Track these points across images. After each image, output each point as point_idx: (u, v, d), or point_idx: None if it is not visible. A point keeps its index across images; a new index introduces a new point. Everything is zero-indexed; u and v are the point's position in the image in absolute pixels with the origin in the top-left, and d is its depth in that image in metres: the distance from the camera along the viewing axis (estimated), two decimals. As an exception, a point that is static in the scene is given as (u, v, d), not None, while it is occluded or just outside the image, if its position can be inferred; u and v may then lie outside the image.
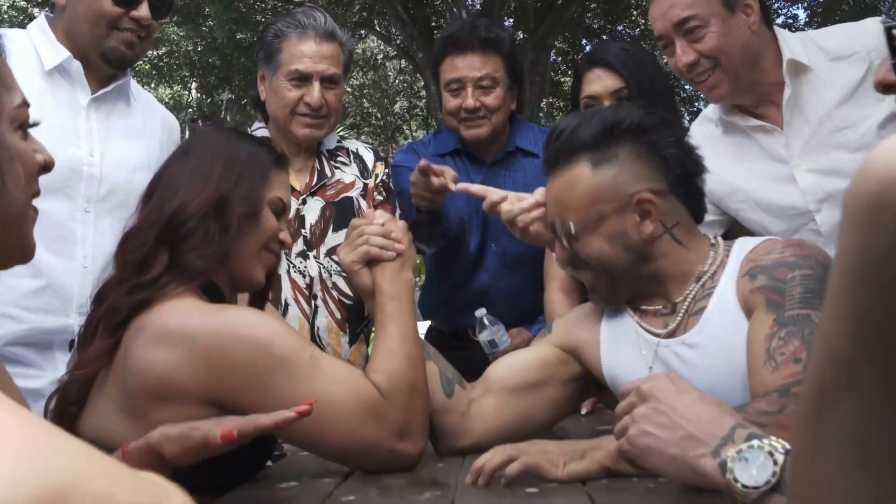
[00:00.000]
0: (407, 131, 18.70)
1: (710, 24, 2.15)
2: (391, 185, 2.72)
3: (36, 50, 2.23)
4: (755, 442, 1.09)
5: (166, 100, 17.49)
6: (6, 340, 2.04)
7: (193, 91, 18.21)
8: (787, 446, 1.05)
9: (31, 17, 12.27)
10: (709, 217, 2.34)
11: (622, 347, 1.84)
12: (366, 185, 2.64)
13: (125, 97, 2.38)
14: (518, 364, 1.96)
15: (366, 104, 17.44)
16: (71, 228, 2.17)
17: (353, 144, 2.72)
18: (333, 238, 2.53)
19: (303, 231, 2.51)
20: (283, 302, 2.47)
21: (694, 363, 1.70)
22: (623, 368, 1.82)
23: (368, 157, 2.68)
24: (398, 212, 2.67)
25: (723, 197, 2.37)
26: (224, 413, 1.51)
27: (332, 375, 1.58)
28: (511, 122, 2.92)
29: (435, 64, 2.89)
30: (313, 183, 2.56)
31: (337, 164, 2.63)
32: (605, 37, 15.72)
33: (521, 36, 14.41)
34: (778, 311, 1.56)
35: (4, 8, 11.99)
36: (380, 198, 2.64)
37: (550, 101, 17.27)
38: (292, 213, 2.47)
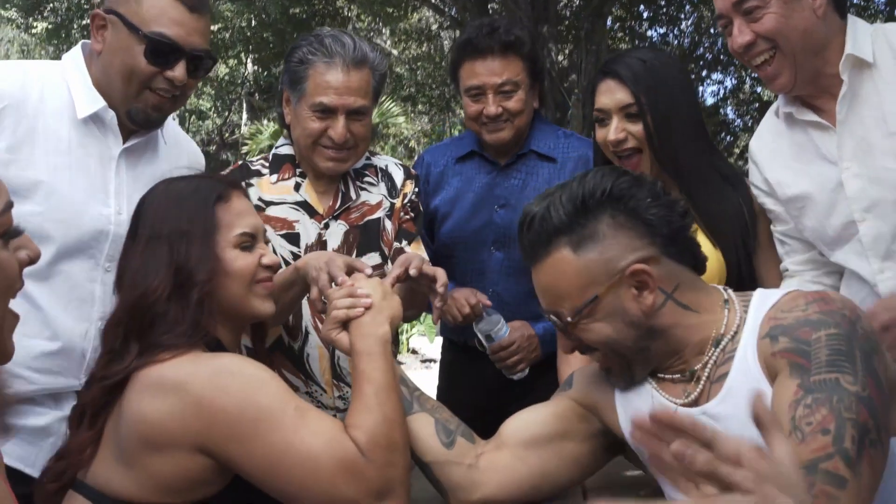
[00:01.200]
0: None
1: (770, 5, 2.05)
2: (420, 204, 2.68)
3: (70, 93, 2.13)
4: None
5: (223, 75, 17.61)
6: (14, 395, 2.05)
7: (249, 65, 18.28)
8: None
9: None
10: (781, 227, 2.29)
11: (639, 411, 1.73)
12: (393, 204, 2.57)
13: (154, 141, 2.30)
14: (534, 417, 1.91)
15: (420, 76, 17.33)
16: (90, 290, 2.13)
17: (382, 161, 2.65)
18: None
19: (325, 256, 2.46)
20: (303, 329, 2.44)
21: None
22: None
23: (398, 175, 2.62)
24: (419, 238, 2.63)
25: (786, 203, 2.27)
26: (214, 461, 1.60)
27: (316, 428, 1.62)
28: (533, 123, 2.88)
29: (454, 67, 2.85)
30: (336, 206, 2.50)
31: (363, 185, 2.56)
32: (662, 2, 15.36)
33: (578, 3, 14.17)
34: (803, 376, 1.46)
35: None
36: (406, 217, 2.59)
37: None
38: (313, 238, 2.46)
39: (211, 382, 1.60)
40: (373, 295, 1.83)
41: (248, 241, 1.84)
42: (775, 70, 2.12)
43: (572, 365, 2.39)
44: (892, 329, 1.82)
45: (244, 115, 20.64)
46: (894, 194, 2.07)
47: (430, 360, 11.48)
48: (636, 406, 1.74)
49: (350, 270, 1.99)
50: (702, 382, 1.66)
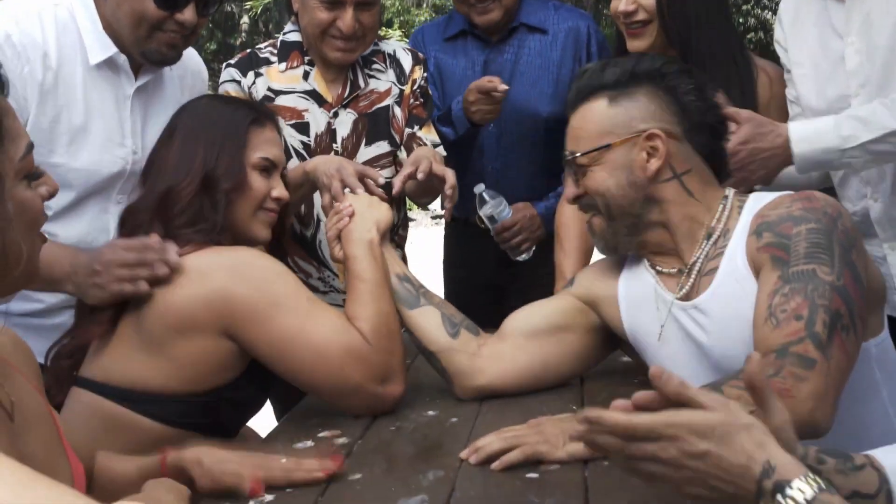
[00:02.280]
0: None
1: None
2: (429, 89, 2.66)
3: (81, 40, 2.09)
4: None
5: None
6: (23, 313, 2.10)
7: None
8: (808, 494, 0.99)
9: None
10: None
11: (641, 304, 1.84)
12: (402, 90, 2.56)
13: (163, 78, 2.28)
14: (536, 311, 2.00)
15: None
16: (105, 222, 2.16)
17: (389, 47, 2.62)
18: (366, 152, 2.50)
19: (334, 146, 2.48)
20: (314, 217, 2.48)
21: (706, 329, 1.70)
22: (641, 326, 1.83)
23: (406, 61, 2.59)
24: (430, 121, 2.63)
25: (793, 65, 2.28)
26: (235, 345, 1.75)
27: (325, 318, 1.80)
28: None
29: None
30: (345, 94, 2.49)
31: (371, 73, 2.54)
32: None
33: None
34: (783, 268, 1.54)
35: None
36: (416, 103, 2.58)
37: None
38: (323, 127, 2.47)
39: (232, 271, 1.75)
40: (356, 205, 1.98)
41: (267, 167, 1.95)
42: None
43: (568, 254, 2.47)
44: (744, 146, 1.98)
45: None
46: (882, 73, 2.08)
47: (441, 217, 11.62)
48: (639, 298, 1.83)
49: (361, 177, 2.05)
50: (693, 276, 1.74)
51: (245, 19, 17.11)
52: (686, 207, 1.74)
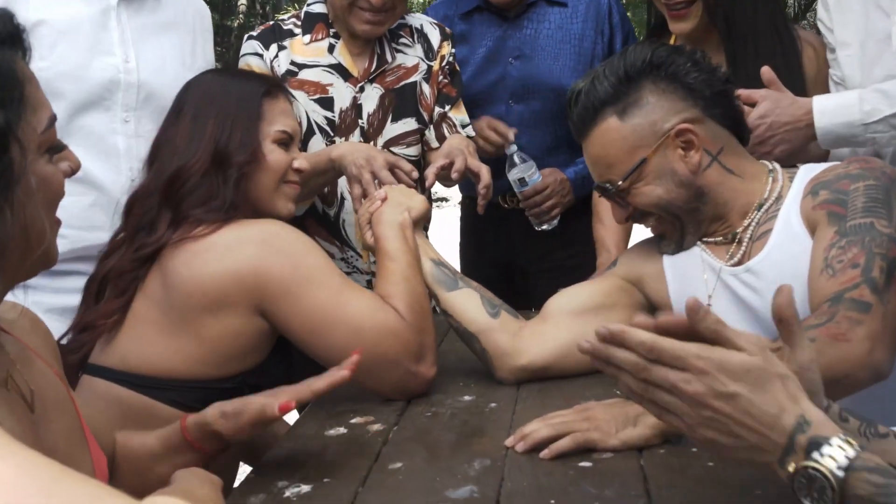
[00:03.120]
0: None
1: None
2: (457, 65, 2.56)
3: None
4: (812, 463, 0.95)
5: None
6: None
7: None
8: (849, 453, 0.93)
9: None
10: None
11: (688, 277, 1.78)
12: (430, 67, 2.46)
13: None
14: (579, 291, 1.94)
15: None
16: (113, 142, 2.10)
17: (416, 21, 2.52)
18: (392, 129, 2.41)
19: (360, 121, 2.39)
20: (338, 195, 2.40)
21: (760, 292, 1.64)
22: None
23: (434, 36, 2.49)
24: (460, 100, 2.54)
25: (839, 46, 2.18)
26: (269, 323, 1.69)
27: (359, 294, 1.74)
28: None
29: None
30: (372, 69, 2.39)
31: (399, 47, 2.44)
32: None
33: None
34: (840, 222, 1.52)
35: None
36: (445, 81, 2.49)
37: None
38: (348, 102, 2.38)
39: (263, 245, 1.67)
40: (390, 192, 1.94)
41: (286, 140, 1.88)
42: None
43: (609, 228, 2.40)
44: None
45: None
46: None
47: (443, 199, 11.74)
48: (686, 270, 1.78)
49: (392, 168, 2.00)
50: (745, 243, 1.70)
51: (242, 0, 16.94)
52: (731, 184, 1.71)
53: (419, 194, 1.99)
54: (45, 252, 1.13)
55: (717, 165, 1.69)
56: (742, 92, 1.86)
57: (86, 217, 2.07)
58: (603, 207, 2.41)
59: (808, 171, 1.70)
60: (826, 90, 2.19)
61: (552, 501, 1.25)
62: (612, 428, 1.44)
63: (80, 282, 1.89)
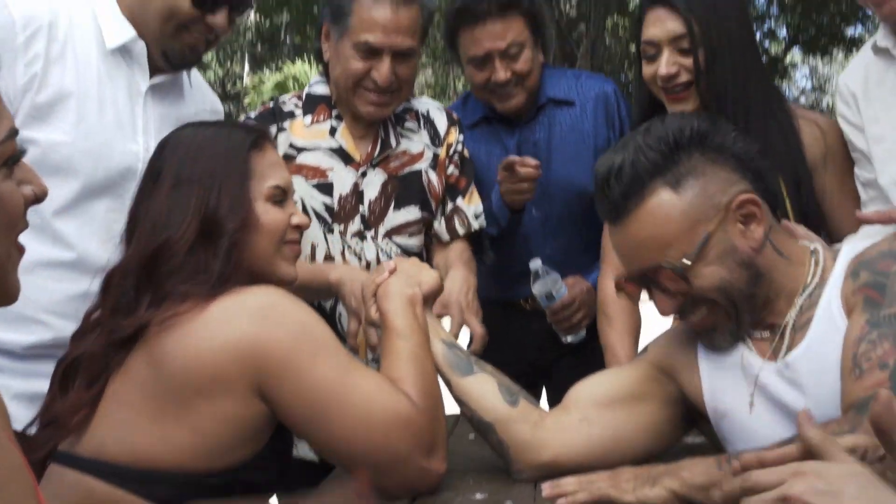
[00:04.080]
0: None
1: None
2: (466, 153, 2.47)
3: (97, 22, 2.00)
4: None
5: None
6: (31, 347, 1.92)
7: (252, 14, 17.97)
8: None
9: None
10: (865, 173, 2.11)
11: (725, 373, 1.62)
12: (436, 154, 2.38)
13: (180, 82, 2.16)
14: (606, 379, 1.78)
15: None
16: (117, 230, 1.96)
17: (423, 106, 2.44)
18: (394, 217, 2.30)
19: (361, 208, 2.28)
20: None
21: (803, 388, 1.48)
22: (726, 397, 1.61)
23: (441, 122, 2.41)
24: (472, 186, 2.45)
25: (873, 141, 2.08)
26: (267, 406, 1.49)
27: (368, 374, 1.55)
28: (543, 74, 2.68)
29: (450, 36, 2.61)
30: (375, 153, 2.30)
31: (404, 132, 2.36)
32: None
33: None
34: (873, 311, 1.36)
35: None
36: (455, 171, 2.40)
37: (616, 19, 16.67)
38: (349, 188, 2.27)
39: (261, 315, 1.49)
40: (400, 264, 1.80)
41: (280, 196, 1.69)
42: None
43: (619, 332, 2.30)
44: None
45: (246, 66, 20.39)
46: None
47: None
48: (722, 365, 1.62)
49: None
50: (786, 336, 1.53)
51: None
52: (781, 267, 1.54)
53: (430, 269, 1.83)
54: (1, 284, 1.01)
55: (770, 246, 1.53)
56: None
57: (76, 307, 1.87)
58: (614, 308, 2.30)
59: (852, 248, 1.54)
60: (835, 171, 2.14)
61: None
62: (630, 485, 1.42)
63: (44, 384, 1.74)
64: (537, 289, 2.44)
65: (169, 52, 2.02)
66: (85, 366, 1.56)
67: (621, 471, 1.49)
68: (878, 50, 2.11)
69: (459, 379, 1.71)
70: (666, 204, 1.51)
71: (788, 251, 1.56)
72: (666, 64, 2.13)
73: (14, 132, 1.01)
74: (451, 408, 1.74)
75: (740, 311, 1.54)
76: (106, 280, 1.63)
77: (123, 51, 2.02)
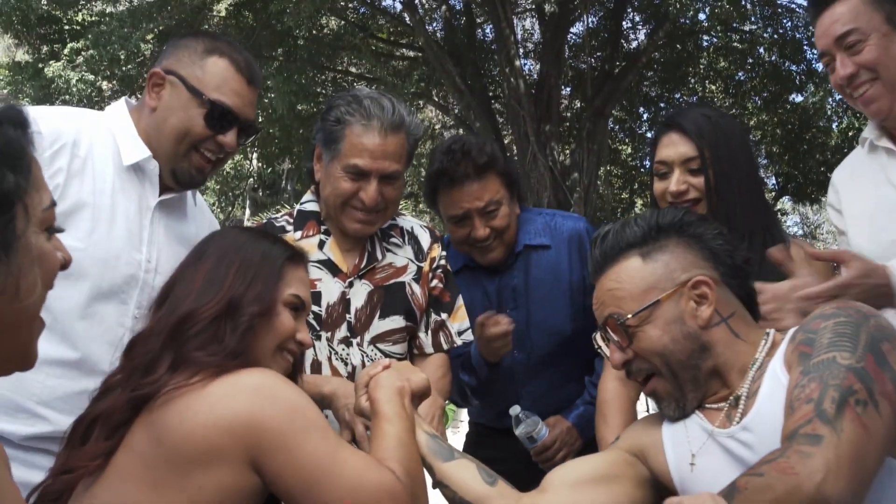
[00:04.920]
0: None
1: (870, 38, 2.19)
2: (449, 268, 2.62)
3: (115, 141, 2.18)
4: None
5: (228, 170, 17.77)
6: (26, 439, 2.00)
7: (255, 161, 18.49)
8: None
9: (100, 90, 12.58)
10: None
11: (685, 445, 1.75)
12: (420, 268, 2.53)
13: (185, 201, 2.33)
14: (581, 463, 1.90)
15: (423, 173, 17.56)
16: (120, 335, 2.11)
17: (408, 223, 2.61)
18: (379, 325, 2.44)
19: (347, 316, 2.42)
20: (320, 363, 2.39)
21: (752, 445, 1.61)
22: (685, 464, 1.72)
23: (424, 239, 2.58)
24: (460, 296, 2.60)
25: (849, 218, 2.34)
26: (261, 479, 1.58)
27: (355, 452, 1.67)
28: (519, 219, 2.85)
29: (431, 195, 2.79)
30: (362, 265, 2.46)
31: (389, 247, 2.52)
32: (661, 105, 15.62)
33: (579, 104, 14.41)
34: (805, 362, 1.52)
35: (73, 82, 12.28)
36: (438, 285, 2.55)
37: (609, 168, 17.20)
38: (336, 297, 2.42)
39: (258, 393, 1.60)
40: (393, 363, 1.94)
41: (298, 305, 1.86)
42: (872, 95, 2.23)
43: (612, 428, 2.37)
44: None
45: (247, 211, 20.78)
46: None
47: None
48: (683, 438, 1.75)
49: None
50: (741, 402, 1.69)
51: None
52: (735, 348, 1.73)
53: (420, 371, 1.96)
54: (21, 349, 1.16)
55: (725, 327, 1.72)
56: (826, 252, 2.03)
57: (74, 402, 1.99)
58: (609, 409, 2.40)
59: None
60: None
61: None
62: None
63: (38, 475, 1.83)
64: (519, 432, 2.56)
65: (178, 172, 2.20)
66: (103, 421, 1.66)
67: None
68: (863, 140, 2.38)
69: (441, 464, 1.83)
70: (633, 268, 1.77)
71: (745, 334, 1.74)
72: (676, 182, 2.34)
73: (53, 203, 1.18)
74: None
75: (681, 380, 1.72)
76: (131, 343, 1.78)
77: (137, 168, 2.19)
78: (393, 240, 2.54)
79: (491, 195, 2.67)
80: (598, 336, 1.87)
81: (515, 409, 2.59)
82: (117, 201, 2.14)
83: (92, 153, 2.12)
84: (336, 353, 2.41)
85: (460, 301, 2.61)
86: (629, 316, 1.73)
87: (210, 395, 1.59)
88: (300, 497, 1.60)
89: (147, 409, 1.62)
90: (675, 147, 2.35)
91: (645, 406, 7.27)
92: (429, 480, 1.81)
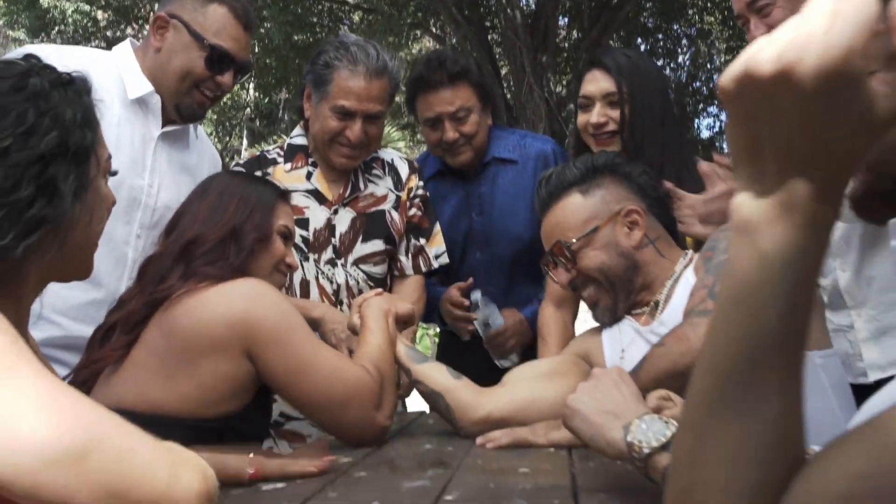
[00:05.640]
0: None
1: (779, 1, 2.31)
2: (427, 196, 2.90)
3: (121, 77, 2.42)
4: (656, 416, 1.30)
5: (226, 100, 17.86)
6: (42, 342, 2.17)
7: (251, 91, 18.58)
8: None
9: (95, 20, 12.66)
10: None
11: (617, 342, 2.10)
12: (398, 197, 2.80)
13: (187, 133, 2.57)
14: (538, 363, 2.26)
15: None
16: (125, 252, 2.37)
17: (388, 155, 2.88)
18: (361, 248, 2.72)
19: (333, 240, 2.70)
20: (295, 288, 2.68)
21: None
22: (618, 360, 2.05)
23: (403, 169, 2.84)
24: (437, 223, 2.90)
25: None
26: (253, 367, 1.89)
27: (333, 350, 2.03)
28: (491, 132, 3.10)
29: (410, 102, 3.07)
30: (346, 194, 2.73)
31: (371, 178, 2.79)
32: (659, 36, 15.68)
33: (576, 35, 14.46)
34: (707, 264, 1.84)
35: (69, 13, 12.36)
36: (417, 213, 2.83)
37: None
38: (322, 223, 2.70)
39: (254, 296, 1.89)
40: (384, 293, 2.32)
41: (287, 234, 2.15)
42: None
43: (551, 349, 2.65)
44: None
45: (244, 141, 20.88)
46: None
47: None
48: (616, 336, 2.10)
49: None
50: (660, 305, 2.06)
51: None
52: (660, 265, 2.07)
53: (408, 303, 2.29)
54: (83, 263, 1.46)
55: (653, 248, 2.07)
56: (668, 186, 2.25)
57: (83, 310, 2.29)
58: (549, 331, 2.69)
59: None
60: None
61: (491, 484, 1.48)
62: (543, 432, 1.84)
63: (63, 372, 2.07)
64: (477, 317, 2.83)
65: (181, 107, 2.45)
66: (122, 322, 1.95)
67: (538, 424, 1.90)
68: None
69: (416, 365, 2.14)
70: (573, 202, 2.13)
71: (667, 253, 2.09)
72: (597, 114, 2.59)
73: (110, 156, 1.48)
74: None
75: (617, 291, 2.06)
76: (145, 263, 2.06)
77: (141, 102, 2.43)
78: (374, 171, 2.81)
79: (462, 102, 2.92)
80: (544, 262, 2.19)
81: (476, 295, 2.84)
82: (122, 132, 2.37)
83: (98, 87, 2.33)
84: (322, 272, 2.70)
85: (437, 227, 2.89)
86: (573, 241, 2.06)
87: (213, 297, 1.88)
88: (285, 384, 1.91)
89: (160, 310, 1.91)
90: (596, 83, 2.59)
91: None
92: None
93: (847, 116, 0.57)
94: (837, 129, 0.58)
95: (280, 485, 1.55)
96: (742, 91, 0.60)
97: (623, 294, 2.08)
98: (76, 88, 1.41)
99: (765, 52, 0.59)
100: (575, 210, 2.11)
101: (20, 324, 1.35)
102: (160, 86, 2.44)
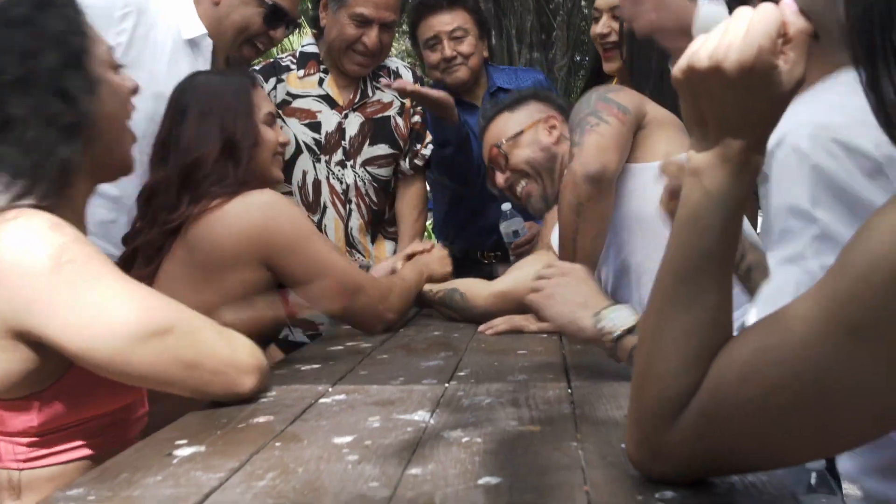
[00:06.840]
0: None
1: None
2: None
3: (177, 16, 2.50)
4: (623, 305, 1.55)
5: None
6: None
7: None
8: None
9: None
10: None
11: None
12: (403, 104, 2.99)
13: None
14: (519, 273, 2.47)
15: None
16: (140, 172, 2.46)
17: (393, 64, 3.06)
18: (369, 151, 2.93)
19: (343, 143, 2.89)
20: (322, 204, 2.89)
21: None
22: None
23: (408, 77, 3.02)
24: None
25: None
26: (271, 274, 2.04)
27: (345, 256, 2.32)
28: (488, 69, 3.38)
29: (412, 28, 3.29)
30: (355, 100, 2.92)
31: (378, 85, 2.97)
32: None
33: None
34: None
35: None
36: (419, 120, 3.03)
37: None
38: (333, 126, 2.90)
39: (269, 208, 2.00)
40: (432, 251, 2.62)
41: (272, 119, 2.23)
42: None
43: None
44: None
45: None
46: None
47: None
48: None
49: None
50: None
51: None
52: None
53: (447, 265, 2.57)
54: (122, 157, 1.60)
55: (568, 143, 2.29)
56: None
57: (107, 229, 2.33)
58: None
59: None
60: None
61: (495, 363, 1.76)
62: (535, 319, 2.04)
63: None
64: (505, 227, 2.98)
65: (231, 60, 2.58)
66: (142, 252, 2.06)
67: (532, 314, 2.12)
68: None
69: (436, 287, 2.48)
70: (504, 118, 2.49)
71: None
72: (602, 26, 2.93)
73: (111, 48, 1.60)
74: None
75: (544, 180, 2.38)
76: (147, 192, 2.11)
77: (193, 43, 2.51)
78: (381, 79, 2.99)
79: (459, 23, 3.20)
80: (489, 177, 2.54)
81: (507, 206, 2.98)
82: (173, 70, 2.40)
83: (156, 23, 2.44)
84: (333, 173, 2.90)
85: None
86: (503, 141, 2.43)
87: (230, 212, 1.98)
88: (302, 284, 2.07)
89: (180, 235, 2.02)
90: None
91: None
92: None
93: (762, 93, 0.82)
94: (756, 103, 0.83)
95: (316, 365, 1.81)
96: (688, 79, 0.84)
97: (549, 181, 2.37)
98: (56, 4, 1.50)
99: (701, 51, 0.82)
100: (505, 122, 2.46)
101: (81, 229, 1.51)
102: (215, 36, 2.53)
